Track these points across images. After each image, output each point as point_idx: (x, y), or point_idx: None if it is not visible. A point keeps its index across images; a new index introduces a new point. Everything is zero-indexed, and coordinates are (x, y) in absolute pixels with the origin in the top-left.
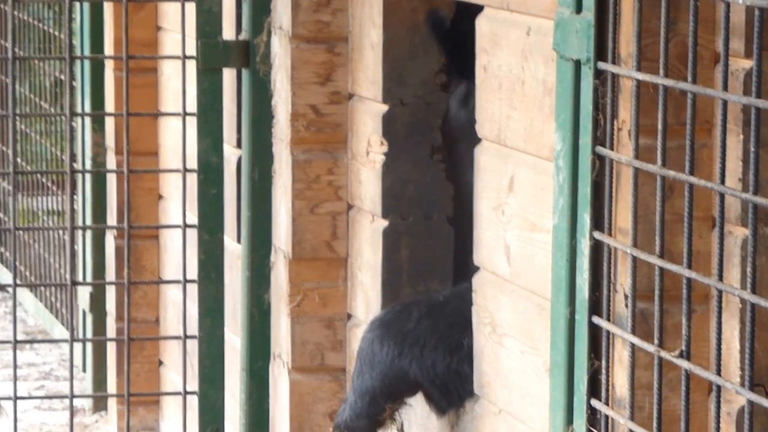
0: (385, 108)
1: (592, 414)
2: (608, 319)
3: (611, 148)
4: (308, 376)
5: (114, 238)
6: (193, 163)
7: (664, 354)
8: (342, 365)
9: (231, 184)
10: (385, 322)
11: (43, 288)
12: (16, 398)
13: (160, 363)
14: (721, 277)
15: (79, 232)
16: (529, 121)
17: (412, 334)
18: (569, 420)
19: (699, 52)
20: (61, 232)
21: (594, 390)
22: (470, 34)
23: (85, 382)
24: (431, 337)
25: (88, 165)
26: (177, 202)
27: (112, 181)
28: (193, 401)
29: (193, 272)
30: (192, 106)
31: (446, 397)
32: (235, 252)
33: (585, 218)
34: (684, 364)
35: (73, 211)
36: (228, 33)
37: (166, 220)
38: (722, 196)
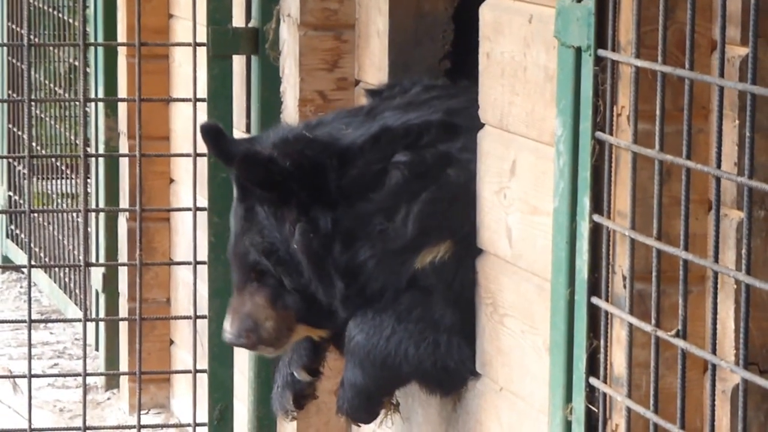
0: None
1: (591, 392)
2: (607, 300)
3: (611, 133)
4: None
5: (126, 220)
6: (203, 147)
7: (661, 333)
8: None
9: None
10: (367, 331)
11: (57, 269)
12: (30, 376)
13: (171, 342)
14: (716, 259)
15: (93, 215)
16: (530, 106)
17: (394, 338)
18: (568, 397)
19: (696, 39)
20: (74, 214)
21: (592, 368)
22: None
23: (97, 361)
24: (409, 342)
25: (102, 149)
26: (188, 185)
27: (124, 164)
28: (203, 379)
29: (203, 254)
30: (203, 91)
31: (439, 388)
32: None
33: (585, 201)
34: (680, 343)
35: (86, 194)
36: (238, 20)
37: (177, 203)
38: (718, 179)
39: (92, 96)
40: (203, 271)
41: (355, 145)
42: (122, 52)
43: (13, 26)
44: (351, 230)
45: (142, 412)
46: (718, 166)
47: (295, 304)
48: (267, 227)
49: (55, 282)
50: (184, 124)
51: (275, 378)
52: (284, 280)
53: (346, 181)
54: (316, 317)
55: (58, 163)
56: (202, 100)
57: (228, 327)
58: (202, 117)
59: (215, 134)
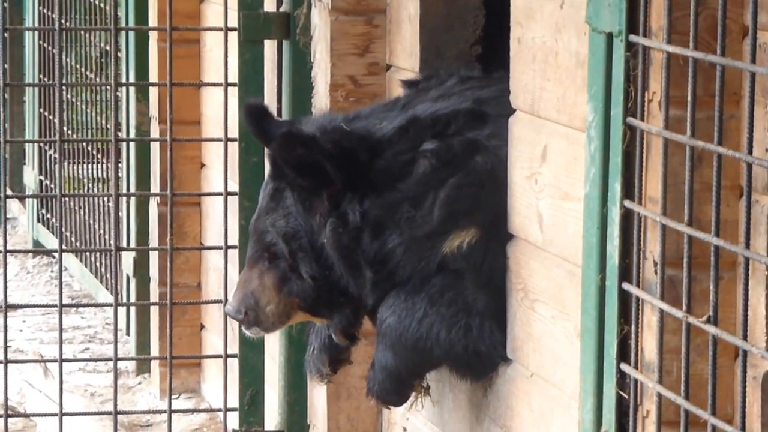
0: None
1: (622, 378)
2: (638, 286)
3: (642, 119)
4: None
5: (157, 204)
6: (234, 132)
7: (692, 319)
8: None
9: None
10: (399, 314)
11: (88, 253)
12: (61, 360)
13: (202, 327)
14: (747, 245)
15: (123, 199)
16: (562, 92)
17: (426, 321)
18: (599, 383)
19: (728, 25)
20: (105, 198)
21: (623, 354)
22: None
23: (128, 345)
24: (441, 325)
25: (133, 134)
26: (218, 170)
27: (155, 149)
28: (234, 364)
29: (234, 238)
30: (234, 76)
31: (470, 373)
32: None
33: (616, 187)
34: (711, 329)
35: (117, 178)
36: (269, 5)
37: (208, 188)
38: (749, 165)
39: (123, 80)
40: (234, 255)
41: (384, 137)
42: (153, 36)
43: (45, 11)
44: (379, 220)
45: (172, 396)
46: (750, 152)
47: (302, 292)
48: (293, 213)
49: (86, 266)
50: (215, 109)
51: (310, 341)
52: (301, 267)
53: (375, 172)
54: (319, 306)
55: (89, 148)
56: (233, 84)
57: (231, 299)
58: (233, 102)
59: (259, 112)
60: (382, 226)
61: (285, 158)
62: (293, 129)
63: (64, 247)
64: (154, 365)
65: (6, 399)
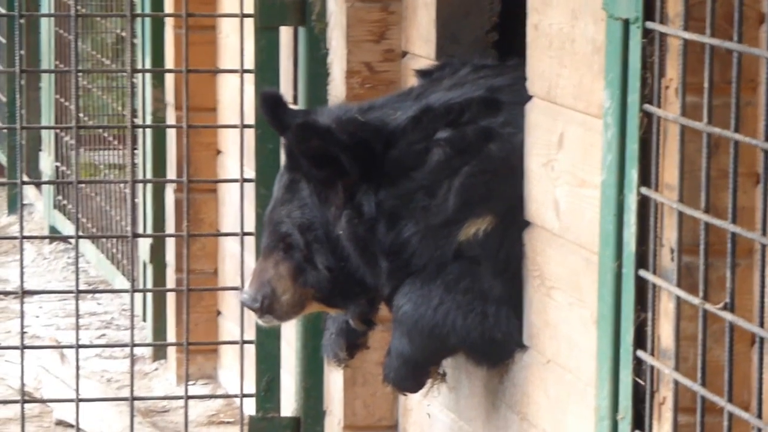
0: None
1: (638, 364)
2: (654, 273)
3: (658, 106)
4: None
5: (173, 191)
6: (250, 118)
7: (708, 306)
8: None
9: None
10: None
11: (104, 239)
12: (78, 346)
13: (218, 313)
14: (764, 232)
15: (140, 186)
16: (578, 78)
17: (442, 308)
18: (616, 370)
19: (744, 12)
20: (122, 185)
21: (640, 341)
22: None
23: (145, 331)
24: (457, 312)
25: (149, 120)
26: (235, 156)
27: (171, 136)
28: (250, 350)
29: (250, 225)
30: (250, 63)
31: (486, 360)
32: None
33: (632, 174)
34: (728, 316)
35: (133, 164)
36: None
37: (224, 175)
38: (766, 152)
39: (139, 67)
40: (250, 242)
41: (398, 127)
42: (169, 22)
43: None
44: (394, 210)
45: (189, 382)
46: (766, 139)
47: (318, 283)
48: (309, 205)
49: (102, 253)
50: (231, 96)
51: (327, 325)
52: (317, 258)
53: (390, 163)
54: (334, 297)
55: (105, 134)
56: (249, 71)
57: (247, 288)
58: (249, 88)
59: (274, 102)
60: (397, 216)
61: (301, 149)
62: (309, 120)
63: (80, 234)
64: (171, 351)
65: (23, 385)
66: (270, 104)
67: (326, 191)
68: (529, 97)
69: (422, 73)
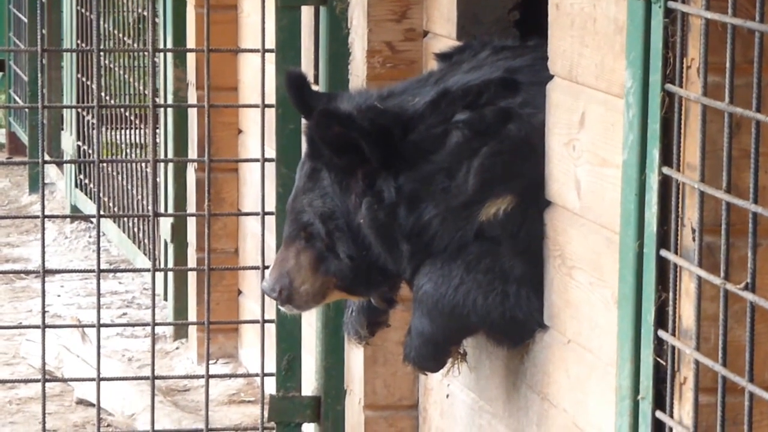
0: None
1: (659, 344)
2: (676, 252)
3: (680, 86)
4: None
5: (195, 170)
6: (271, 98)
7: (729, 286)
8: None
9: None
10: (436, 280)
11: (126, 219)
12: (99, 325)
13: (239, 292)
14: None
15: (161, 165)
16: (600, 58)
17: (463, 288)
18: (637, 350)
19: None
20: (143, 164)
21: (661, 321)
22: None
23: (166, 311)
24: (478, 292)
25: (170, 99)
26: (256, 136)
27: (193, 115)
28: (271, 329)
29: (271, 204)
30: (271, 42)
31: (507, 339)
32: None
33: (654, 154)
34: (749, 296)
35: (155, 144)
36: None
37: (245, 154)
38: None
39: (161, 46)
40: (271, 221)
41: (417, 112)
42: (191, 2)
43: None
44: (414, 193)
45: (210, 361)
46: None
47: (340, 272)
48: (330, 194)
49: (123, 232)
50: (253, 75)
51: (348, 303)
52: (338, 247)
53: (408, 147)
54: (357, 286)
55: (127, 113)
56: (271, 50)
57: (268, 276)
58: (270, 68)
59: (300, 83)
60: (417, 199)
61: (322, 136)
62: (331, 107)
63: (101, 213)
64: (192, 330)
65: (44, 364)
66: (295, 85)
67: (347, 180)
68: (549, 77)
69: (442, 57)
